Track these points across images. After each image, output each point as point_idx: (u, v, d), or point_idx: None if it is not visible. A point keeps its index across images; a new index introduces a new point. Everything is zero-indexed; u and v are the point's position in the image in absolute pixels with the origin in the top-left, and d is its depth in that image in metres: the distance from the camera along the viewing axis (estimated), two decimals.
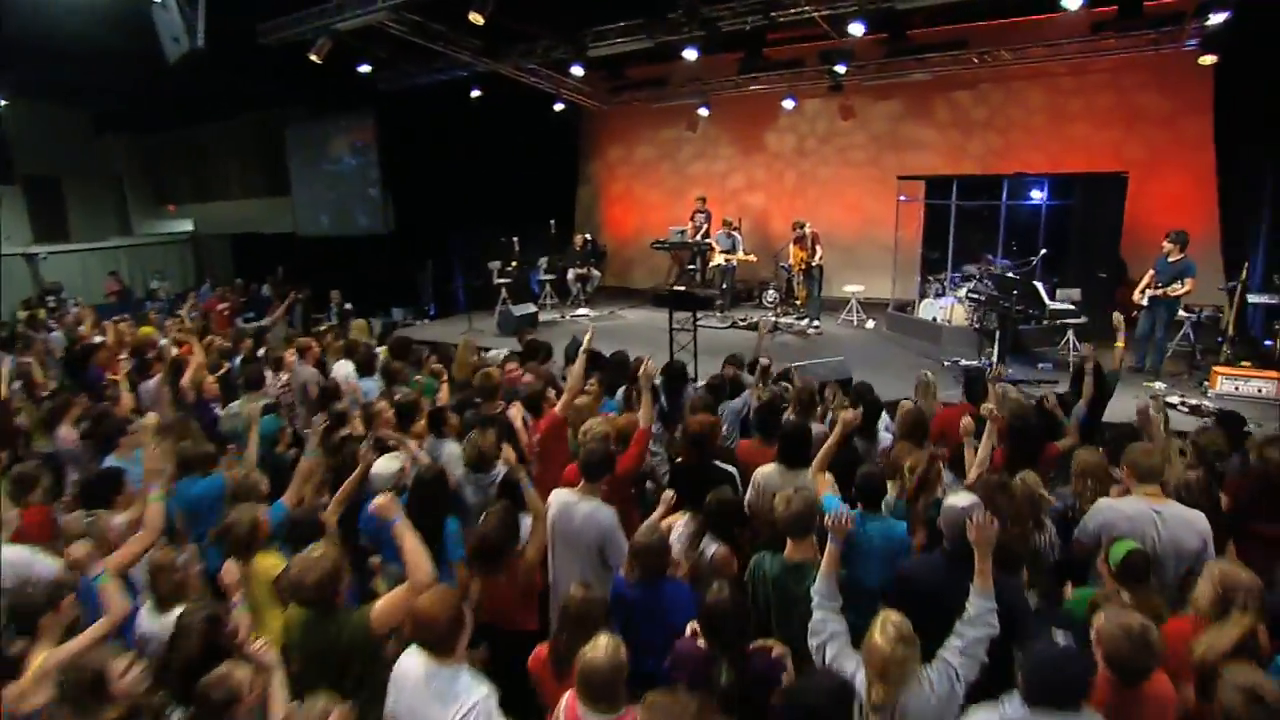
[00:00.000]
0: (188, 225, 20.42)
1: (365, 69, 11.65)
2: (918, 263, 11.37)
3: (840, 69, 11.28)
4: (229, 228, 19.57)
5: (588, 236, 13.34)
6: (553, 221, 12.79)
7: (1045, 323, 7.58)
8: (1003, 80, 11.70)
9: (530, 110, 13.82)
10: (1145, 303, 7.94)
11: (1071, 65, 11.02)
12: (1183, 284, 7.65)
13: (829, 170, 13.53)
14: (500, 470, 4.24)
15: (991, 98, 11.89)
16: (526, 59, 11.80)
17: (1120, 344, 5.55)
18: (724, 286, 11.76)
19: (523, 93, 13.27)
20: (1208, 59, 8.85)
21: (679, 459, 4.70)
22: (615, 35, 10.66)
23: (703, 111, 13.27)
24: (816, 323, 10.98)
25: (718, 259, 11.73)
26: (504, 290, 12.82)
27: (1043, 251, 8.37)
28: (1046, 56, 10.75)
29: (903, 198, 10.78)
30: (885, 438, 5.05)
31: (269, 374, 6.79)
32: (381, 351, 7.59)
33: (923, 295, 10.60)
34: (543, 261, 13.53)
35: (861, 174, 13.19)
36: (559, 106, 13.38)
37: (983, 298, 8.08)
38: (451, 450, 4.75)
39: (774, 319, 10.82)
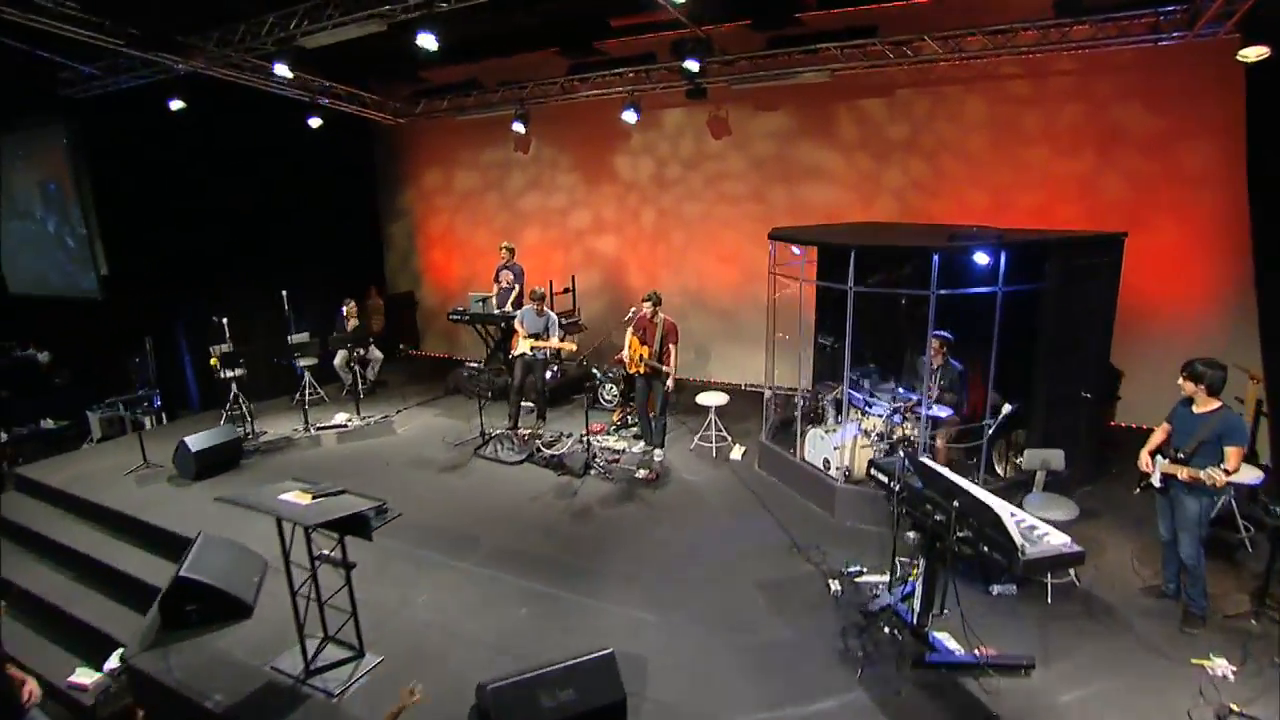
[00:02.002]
0: None
1: None
2: (810, 342, 7.79)
3: (691, 65, 7.56)
4: None
5: (346, 306, 9.36)
6: (285, 292, 8.69)
7: (1016, 570, 3.89)
8: (929, 84, 8.16)
9: (301, 125, 9.79)
10: (1157, 481, 4.39)
11: (1028, 63, 7.54)
12: (1222, 463, 4.08)
13: (698, 207, 9.81)
14: None
15: (914, 108, 8.33)
16: (228, 50, 7.68)
17: None
18: (519, 385, 7.90)
19: (286, 102, 9.24)
20: (1254, 51, 5.36)
21: None
22: (327, 17, 6.69)
23: (518, 128, 9.41)
24: (660, 453, 7.24)
25: (522, 346, 7.86)
26: (234, 388, 8.77)
27: (1007, 408, 4.82)
28: (990, 49, 7.22)
29: (794, 253, 6.95)
30: None
31: None
32: None
33: (812, 413, 6.95)
34: (300, 341, 9.50)
35: (740, 212, 9.52)
36: (315, 122, 9.27)
37: (900, 491, 4.38)
38: None
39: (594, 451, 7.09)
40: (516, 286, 9.38)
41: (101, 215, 9.52)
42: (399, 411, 9.03)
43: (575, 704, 3.50)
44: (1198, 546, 4.29)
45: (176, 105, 8.37)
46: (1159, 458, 4.41)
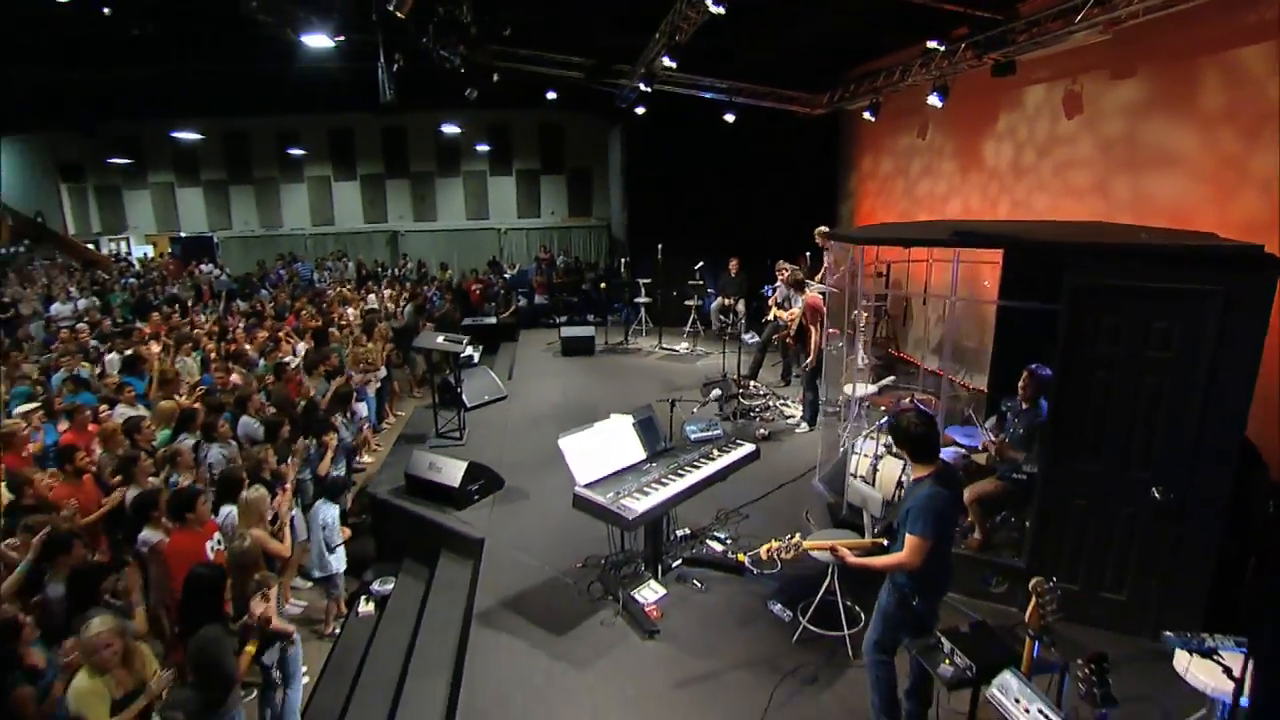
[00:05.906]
0: None
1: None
2: None
3: (933, 44, 7.05)
4: None
5: (732, 263, 11.59)
6: (660, 245, 11.52)
7: None
8: None
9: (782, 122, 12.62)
10: None
11: None
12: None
13: (1045, 200, 8.24)
14: None
15: None
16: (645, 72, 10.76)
17: None
18: (763, 343, 8.82)
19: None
20: None
21: None
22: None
23: (868, 115, 9.74)
24: (804, 427, 7.53)
25: (771, 313, 8.95)
26: (642, 310, 12.56)
27: None
28: None
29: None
30: None
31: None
32: None
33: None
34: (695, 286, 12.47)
35: (1084, 207, 7.66)
36: (730, 117, 11.70)
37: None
38: None
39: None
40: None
41: (627, 184, 14.33)
42: (720, 353, 11.07)
43: None
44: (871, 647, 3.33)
45: (640, 110, 12.11)
46: None
